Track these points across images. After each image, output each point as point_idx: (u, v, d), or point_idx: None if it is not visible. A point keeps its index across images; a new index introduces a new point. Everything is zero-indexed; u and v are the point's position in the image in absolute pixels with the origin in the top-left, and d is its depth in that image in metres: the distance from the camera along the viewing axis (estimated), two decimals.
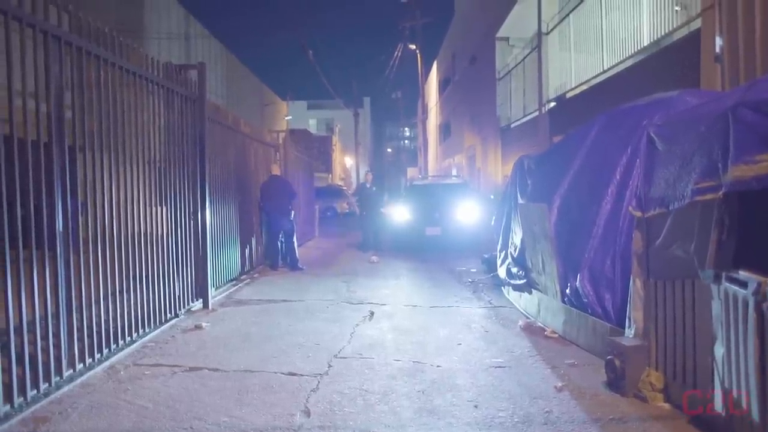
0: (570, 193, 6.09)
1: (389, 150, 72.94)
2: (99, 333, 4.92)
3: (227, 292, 8.56)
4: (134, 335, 5.59)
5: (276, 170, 11.40)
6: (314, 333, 6.21)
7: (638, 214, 4.43)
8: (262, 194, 10.87)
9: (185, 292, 6.91)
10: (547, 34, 14.31)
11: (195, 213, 7.20)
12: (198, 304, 7.31)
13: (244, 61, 30.41)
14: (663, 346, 4.21)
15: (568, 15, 12.93)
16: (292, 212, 11.14)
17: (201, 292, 7.36)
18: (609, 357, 4.45)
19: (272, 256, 11.12)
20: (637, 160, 4.76)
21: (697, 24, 7.59)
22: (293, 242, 11.14)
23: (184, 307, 6.88)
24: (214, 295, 7.86)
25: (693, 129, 3.79)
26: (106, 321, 5.06)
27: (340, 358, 5.32)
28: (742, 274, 3.18)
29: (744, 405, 3.15)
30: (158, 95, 6.26)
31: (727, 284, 3.33)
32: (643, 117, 5.02)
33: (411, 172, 38.02)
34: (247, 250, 10.22)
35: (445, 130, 33.79)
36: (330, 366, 5.05)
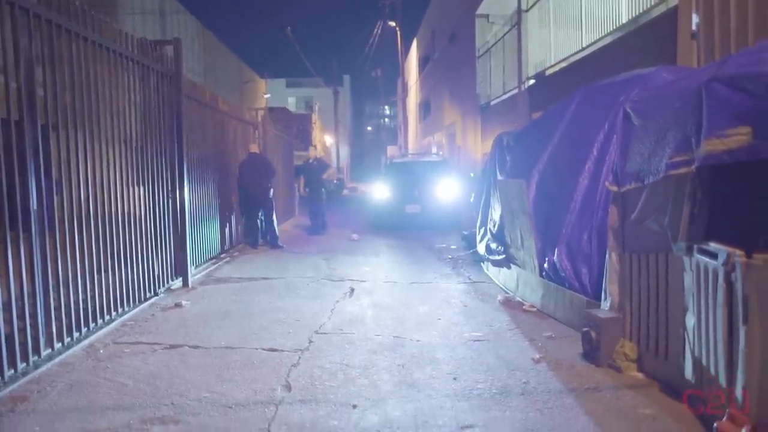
0: (548, 169, 6.14)
1: (369, 128, 72.67)
2: (77, 312, 4.89)
3: (207, 271, 8.54)
4: (113, 314, 5.57)
5: (255, 148, 11.31)
6: (295, 310, 6.24)
7: (614, 188, 4.49)
8: (240, 172, 10.79)
9: (164, 271, 6.89)
10: (527, 11, 14.28)
11: (173, 191, 7.14)
12: (178, 283, 7.29)
13: (222, 38, 29.98)
14: (637, 318, 4.30)
15: None
16: (272, 190, 11.09)
17: (180, 271, 7.33)
18: (585, 329, 4.54)
19: (252, 235, 11.09)
20: (614, 135, 4.81)
21: (674, 1, 7.63)
22: (273, 220, 11.12)
23: (163, 285, 6.86)
24: (193, 274, 7.84)
25: (668, 104, 3.83)
26: (84, 300, 5.03)
27: (321, 333, 5.36)
28: (713, 246, 3.25)
29: (712, 372, 3.24)
30: (133, 71, 6.16)
31: (699, 256, 3.41)
32: (620, 93, 5.06)
33: (391, 150, 37.97)
34: (226, 229, 10.18)
35: (425, 108, 33.71)
36: (311, 342, 5.08)
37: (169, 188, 7.06)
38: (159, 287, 6.72)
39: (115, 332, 5.35)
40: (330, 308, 6.32)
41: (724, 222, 3.53)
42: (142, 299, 6.27)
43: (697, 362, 3.47)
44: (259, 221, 11.15)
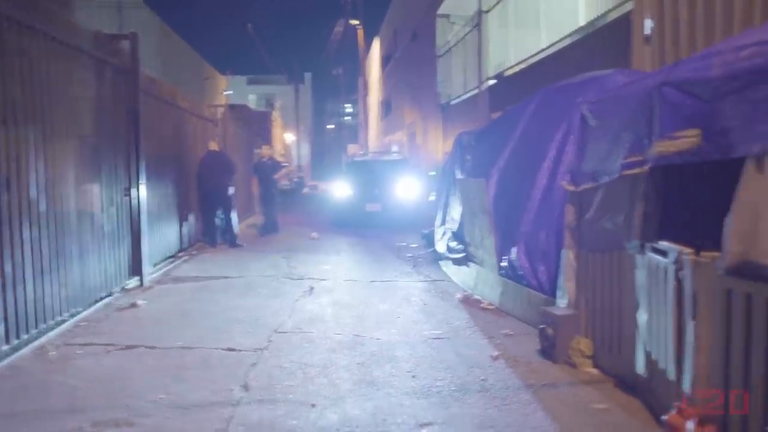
0: (507, 169, 6.23)
1: (331, 126, 72.45)
2: (25, 313, 4.73)
3: (164, 269, 8.39)
4: (65, 315, 5.41)
5: (214, 146, 11.15)
6: (254, 309, 6.18)
7: (571, 188, 4.57)
8: (200, 170, 10.63)
9: (120, 270, 6.74)
10: (488, 12, 14.44)
11: (129, 189, 6.99)
12: (134, 282, 7.14)
13: (182, 34, 29.46)
14: (592, 315, 4.39)
15: None
16: (231, 188, 10.95)
17: (137, 270, 7.18)
18: (542, 326, 4.62)
19: (211, 233, 10.93)
20: (571, 135, 4.90)
21: (628, 6, 7.81)
22: (232, 218, 10.98)
23: (118, 284, 6.71)
24: (151, 273, 7.69)
25: (622, 106, 3.92)
26: (33, 301, 4.86)
27: (281, 332, 5.32)
28: (664, 245, 3.34)
29: (663, 366, 3.34)
30: (88, 66, 6.00)
31: (651, 254, 3.50)
32: (577, 94, 5.15)
33: (352, 148, 37.93)
34: (185, 227, 10.02)
35: (386, 106, 33.76)
36: (270, 341, 5.04)
37: (125, 186, 6.91)
38: (114, 287, 6.57)
39: (67, 333, 5.21)
40: (290, 307, 6.28)
41: (676, 221, 3.64)
42: (96, 299, 6.12)
43: (648, 357, 3.56)
44: (218, 219, 11.00)
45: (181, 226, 9.76)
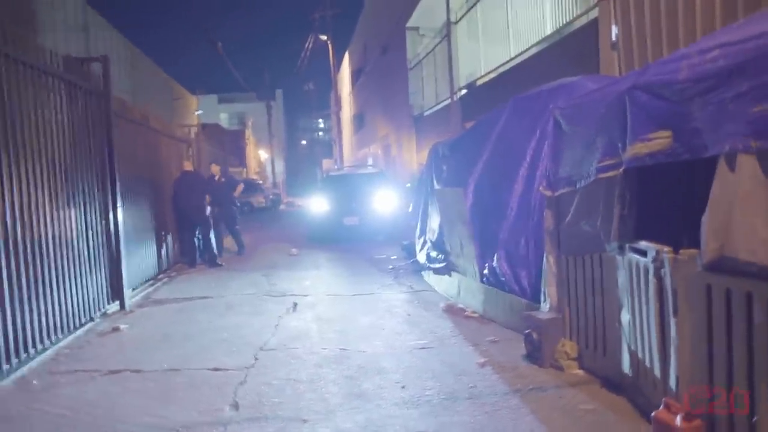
0: (484, 177, 6.30)
1: (303, 142, 72.38)
2: (5, 342, 4.64)
3: (145, 292, 8.29)
4: (46, 342, 5.32)
5: (188, 166, 11.10)
6: (237, 328, 6.14)
7: (548, 193, 4.65)
8: (175, 191, 10.55)
9: (100, 295, 6.65)
10: (456, 23, 14.62)
11: (106, 213, 6.92)
12: (114, 306, 7.04)
13: (150, 54, 29.26)
14: (576, 317, 4.45)
15: (475, 5, 13.26)
16: (208, 208, 10.88)
17: (117, 294, 7.09)
18: (527, 331, 4.67)
19: (189, 254, 10.83)
20: (546, 141, 4.98)
21: (594, 13, 7.98)
22: (210, 238, 10.90)
23: (99, 309, 6.62)
24: (131, 296, 7.60)
25: (595, 111, 4.01)
26: (12, 330, 4.76)
27: (266, 350, 5.29)
28: (643, 245, 3.41)
29: (648, 364, 3.40)
30: (59, 90, 5.95)
31: (631, 254, 3.57)
32: (548, 101, 5.25)
33: (326, 163, 37.90)
34: (163, 249, 9.94)
35: (359, 120, 33.86)
36: (256, 359, 5.02)
37: (102, 209, 6.84)
38: (95, 312, 6.48)
39: (49, 362, 5.12)
40: (273, 324, 6.25)
41: (654, 221, 3.72)
42: (77, 325, 6.03)
43: (633, 356, 3.63)
44: (196, 239, 10.91)
45: (159, 247, 9.67)
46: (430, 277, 8.16)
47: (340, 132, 36.19)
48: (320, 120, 65.44)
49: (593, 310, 4.21)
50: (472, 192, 6.39)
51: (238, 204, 13.02)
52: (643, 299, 3.42)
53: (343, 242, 13.42)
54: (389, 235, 13.35)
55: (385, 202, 14.09)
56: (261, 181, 32.82)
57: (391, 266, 9.83)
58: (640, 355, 3.52)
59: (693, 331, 2.99)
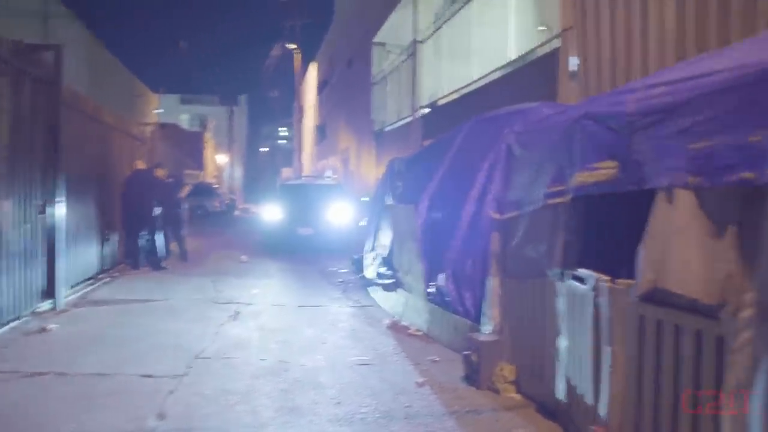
0: (437, 195, 6.30)
1: (266, 149, 71.76)
2: None
3: (82, 292, 8.00)
4: None
5: (141, 164, 10.81)
6: (176, 333, 5.96)
7: (496, 216, 4.67)
8: (125, 189, 10.26)
9: (31, 292, 6.36)
10: (422, 42, 14.74)
11: (45, 207, 6.66)
12: (47, 305, 6.75)
13: (113, 49, 28.68)
14: (516, 341, 4.46)
15: (441, 26, 13.41)
16: (158, 209, 10.61)
17: (51, 292, 6.81)
18: (466, 352, 4.65)
19: (134, 255, 10.52)
20: (498, 164, 5.01)
21: (556, 44, 8.14)
22: (157, 240, 10.61)
23: (29, 307, 6.33)
24: (67, 295, 7.31)
25: (545, 137, 4.05)
26: None
27: (202, 358, 5.14)
28: (583, 272, 3.44)
29: (581, 391, 3.41)
30: (4, 75, 5.71)
31: (571, 281, 3.60)
32: (504, 125, 5.29)
33: (286, 172, 37.67)
34: (107, 248, 9.63)
35: (321, 131, 33.75)
36: (190, 367, 4.86)
37: (41, 203, 6.58)
38: (23, 310, 6.19)
39: None
40: (214, 332, 6.09)
41: (598, 250, 3.76)
42: (2, 323, 5.74)
43: (568, 383, 3.64)
44: (143, 240, 10.62)
45: (102, 246, 9.37)
46: (378, 293, 8.11)
47: (301, 142, 36.04)
48: (283, 128, 65.03)
49: (533, 335, 4.22)
50: (425, 210, 6.39)
51: (185, 206, 12.50)
52: (581, 327, 3.44)
53: (296, 252, 13.26)
54: (342, 247, 13.24)
55: (341, 214, 14.01)
56: (217, 185, 32.33)
57: (340, 279, 9.75)
58: (574, 382, 3.53)
59: (626, 361, 3.01)
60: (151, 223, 10.45)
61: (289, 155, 55.08)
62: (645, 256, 2.81)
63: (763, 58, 2.43)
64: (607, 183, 3.25)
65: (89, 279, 8.66)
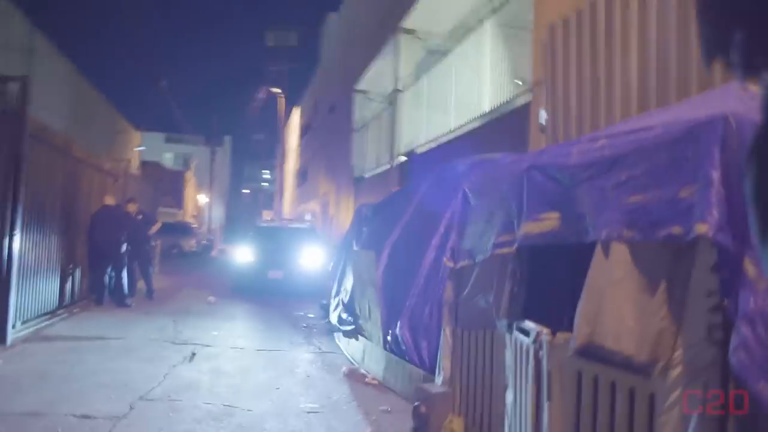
0: (399, 242, 6.27)
1: (248, 191, 71.69)
2: None
3: (36, 327, 7.76)
4: None
5: (110, 200, 10.69)
6: (125, 373, 5.78)
7: (450, 264, 4.63)
8: (92, 224, 10.12)
9: None
10: (402, 91, 14.96)
11: (0, 239, 6.53)
12: None
13: (99, 85, 28.75)
14: (466, 393, 4.36)
15: (421, 76, 13.63)
16: (125, 245, 10.45)
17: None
18: (416, 403, 4.54)
19: (98, 291, 10.31)
20: (456, 213, 5.00)
21: (528, 98, 8.29)
22: (122, 277, 10.43)
23: None
24: (18, 330, 7.09)
25: (497, 187, 4.05)
26: None
27: (147, 400, 4.97)
28: (527, 324, 3.39)
29: None
30: None
31: (516, 333, 3.54)
32: (468, 174, 5.32)
33: (266, 214, 37.53)
34: (69, 283, 9.41)
35: (302, 175, 33.87)
36: (132, 408, 4.69)
37: None
38: None
39: None
40: (164, 373, 5.92)
41: (544, 301, 3.72)
42: None
43: None
44: (108, 277, 10.42)
45: (63, 281, 9.16)
46: (340, 339, 7.97)
47: (282, 185, 36.07)
48: (266, 171, 65.19)
49: (483, 388, 4.13)
50: (386, 256, 6.34)
51: (154, 243, 12.30)
52: (524, 380, 3.37)
53: (265, 295, 13.08)
54: (312, 291, 13.09)
55: (312, 258, 13.91)
56: (195, 225, 32.08)
57: (305, 324, 9.60)
58: None
59: (563, 417, 2.94)
60: (117, 259, 10.28)
61: (272, 197, 55.08)
62: (582, 309, 2.77)
63: (695, 115, 2.46)
64: (550, 234, 3.23)
65: (47, 314, 8.43)
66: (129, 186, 13.13)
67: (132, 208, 11.12)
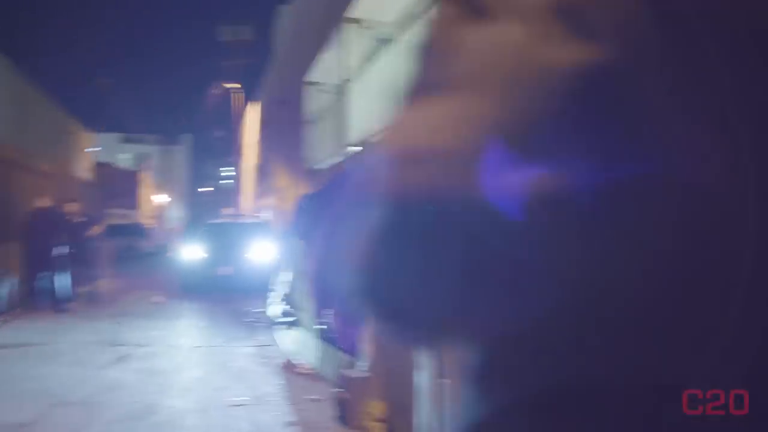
0: (327, 232, 6.18)
1: (206, 189, 70.76)
2: None
3: None
4: None
5: (44, 202, 10.36)
6: (50, 378, 5.60)
7: None
8: (28, 228, 9.80)
9: None
10: (350, 81, 14.82)
11: None
12: None
13: (47, 86, 27.87)
14: (388, 378, 4.31)
15: (368, 66, 13.53)
16: (60, 248, 10.13)
17: None
18: (337, 390, 4.48)
19: (38, 295, 10.00)
20: None
21: None
22: (60, 280, 10.10)
23: None
24: None
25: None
26: None
27: (65, 404, 4.83)
28: None
29: (435, 425, 3.29)
30: None
31: None
32: None
33: (226, 211, 37.08)
34: (3, 289, 9.11)
35: (261, 170, 33.51)
36: (43, 414, 4.53)
37: None
38: None
39: None
40: (91, 375, 5.76)
41: None
42: None
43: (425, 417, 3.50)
44: (47, 281, 10.11)
45: None
46: (280, 332, 7.86)
47: (242, 181, 35.68)
48: (226, 168, 64.42)
49: (403, 371, 4.08)
50: (317, 245, 6.25)
51: (96, 245, 11.89)
52: (429, 360, 3.33)
53: (215, 292, 12.86)
54: (262, 286, 12.90)
55: (263, 253, 13.72)
56: (150, 225, 31.48)
57: (251, 319, 9.47)
58: (428, 417, 3.40)
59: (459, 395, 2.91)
60: (53, 262, 9.97)
61: (232, 194, 54.51)
62: None
63: None
64: None
65: None
66: (72, 187, 12.78)
67: (71, 209, 10.76)
